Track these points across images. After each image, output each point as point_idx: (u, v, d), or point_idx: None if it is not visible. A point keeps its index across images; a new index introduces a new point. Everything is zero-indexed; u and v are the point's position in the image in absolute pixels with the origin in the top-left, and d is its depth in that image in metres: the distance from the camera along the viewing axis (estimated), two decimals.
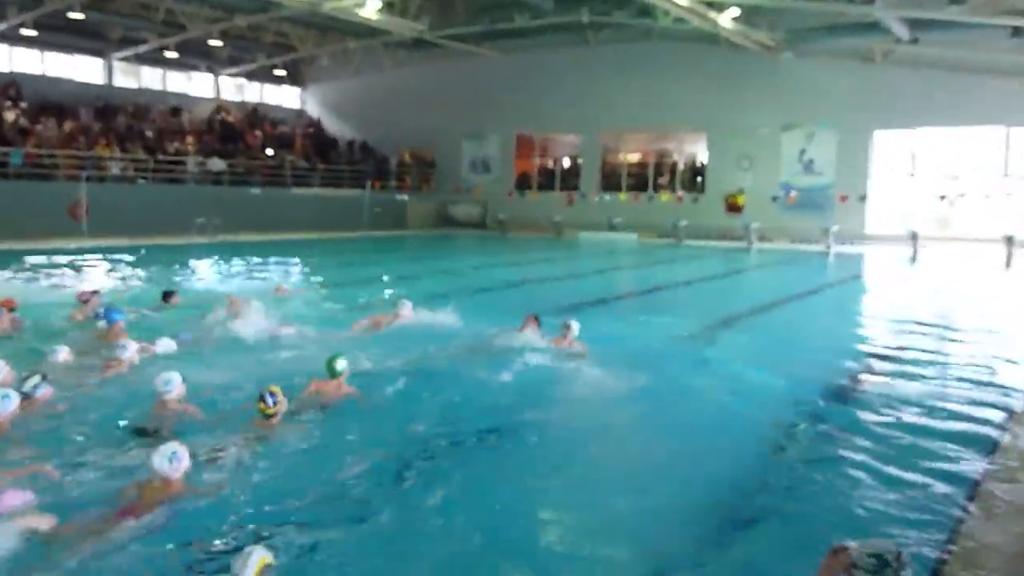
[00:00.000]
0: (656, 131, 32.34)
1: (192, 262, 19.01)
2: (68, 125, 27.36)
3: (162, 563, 3.98)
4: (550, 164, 35.80)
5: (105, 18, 29.49)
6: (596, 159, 33.66)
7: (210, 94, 36.57)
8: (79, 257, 18.50)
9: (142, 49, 31.86)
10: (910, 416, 6.66)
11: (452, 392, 7.12)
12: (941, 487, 5.14)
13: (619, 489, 5.19)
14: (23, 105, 27.56)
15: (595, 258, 24.01)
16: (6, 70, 29.33)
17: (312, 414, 6.19)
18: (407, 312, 9.77)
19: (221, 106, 35.68)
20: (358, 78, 37.54)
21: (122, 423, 5.95)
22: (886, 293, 17.11)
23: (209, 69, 36.32)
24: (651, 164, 32.92)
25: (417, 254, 25.01)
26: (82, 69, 32.02)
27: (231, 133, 32.91)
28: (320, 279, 15.14)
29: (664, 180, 32.59)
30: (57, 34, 30.08)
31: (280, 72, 38.45)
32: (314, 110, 40.39)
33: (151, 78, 34.55)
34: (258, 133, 34.04)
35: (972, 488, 5.16)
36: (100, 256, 18.89)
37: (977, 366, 8.77)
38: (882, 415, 6.70)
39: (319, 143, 36.42)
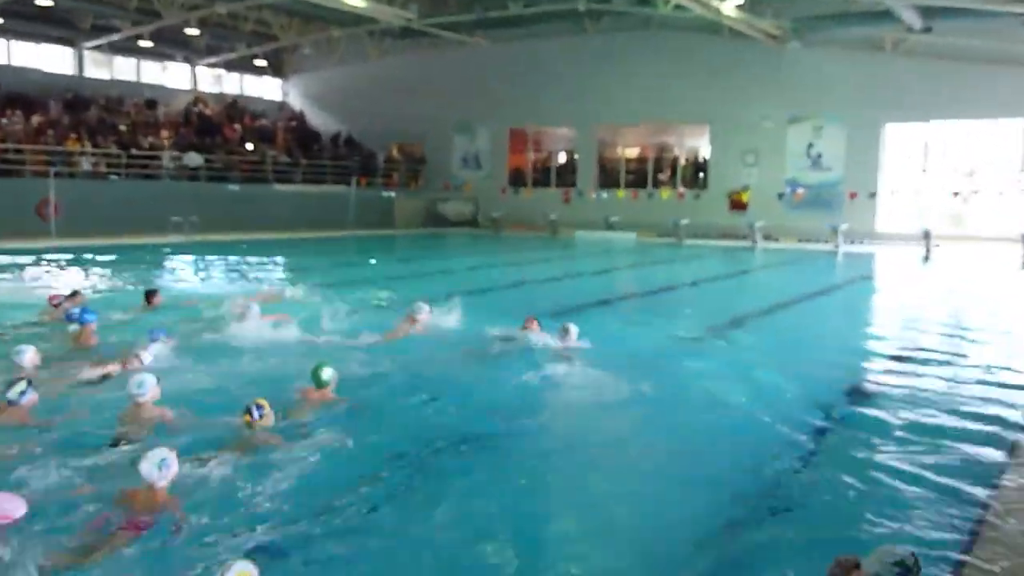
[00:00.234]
0: (656, 125, 32.44)
1: (168, 263, 19.00)
2: (36, 118, 27.29)
3: (140, 574, 4.00)
4: (545, 159, 35.87)
5: (75, 5, 29.47)
6: (593, 154, 33.73)
7: (187, 85, 36.51)
8: (47, 258, 18.42)
9: (115, 38, 31.82)
10: (923, 419, 6.72)
11: (449, 396, 7.18)
12: (957, 490, 5.19)
13: (621, 495, 5.24)
14: None
15: (593, 258, 24.04)
16: None
17: (301, 422, 6.21)
18: (424, 316, 9.77)
19: (198, 98, 35.61)
20: (343, 68, 37.54)
21: (99, 431, 5.95)
22: (897, 294, 17.17)
23: (186, 59, 36.28)
24: (651, 159, 33.01)
25: (407, 254, 25.00)
26: (51, 59, 31.93)
27: (209, 126, 32.86)
28: (307, 281, 15.12)
29: (664, 176, 32.67)
30: (24, 22, 30.04)
31: (261, 62, 38.42)
32: (296, 102, 40.37)
33: (124, 68, 34.49)
34: (237, 126, 34.01)
35: (989, 492, 5.21)
36: (70, 257, 18.82)
37: (992, 368, 8.83)
38: (894, 418, 6.76)
39: (302, 137, 36.40)
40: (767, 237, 27.68)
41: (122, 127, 29.49)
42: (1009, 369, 8.76)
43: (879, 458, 5.80)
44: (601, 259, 23.72)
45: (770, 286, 18.66)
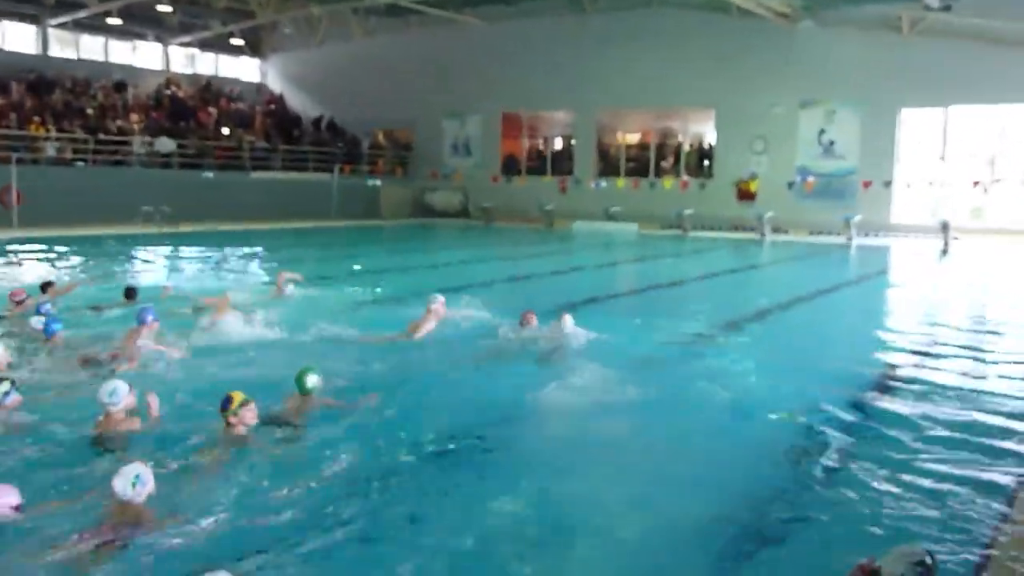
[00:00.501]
0: (659, 109, 32.46)
1: (138, 255, 18.95)
2: None
3: None
4: (540, 146, 35.89)
5: None
6: (591, 140, 33.72)
7: (158, 66, 36.39)
8: (9, 249, 18.36)
9: (81, 15, 31.63)
10: (940, 423, 6.77)
11: (444, 395, 7.26)
12: (975, 497, 5.23)
13: (626, 498, 5.30)
14: None
15: (591, 251, 24.07)
16: None
17: (288, 427, 6.26)
18: (439, 308, 9.76)
19: (170, 80, 35.50)
20: (325, 48, 37.43)
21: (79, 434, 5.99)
22: (914, 290, 17.23)
23: (157, 38, 36.14)
24: (653, 146, 33.02)
25: (394, 246, 24.99)
26: (12, 37, 31.82)
27: (182, 110, 32.76)
28: (288, 274, 15.12)
29: (667, 164, 32.70)
30: None
31: (237, 41, 38.29)
32: (275, 84, 40.27)
33: (91, 48, 34.36)
34: (212, 110, 33.89)
35: (1009, 498, 5.27)
36: (33, 249, 18.77)
37: (1014, 366, 8.88)
38: (909, 421, 6.81)
39: (281, 121, 36.33)
40: (776, 229, 27.72)
41: (89, 110, 29.38)
42: None
43: (897, 459, 5.87)
44: (600, 252, 23.75)
45: (780, 281, 18.71)
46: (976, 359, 9.48)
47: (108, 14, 32.09)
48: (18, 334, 9.01)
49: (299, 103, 39.15)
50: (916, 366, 9.13)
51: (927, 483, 5.42)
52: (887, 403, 7.45)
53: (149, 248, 20.21)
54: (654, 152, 32.91)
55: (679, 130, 32.80)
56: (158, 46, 36.39)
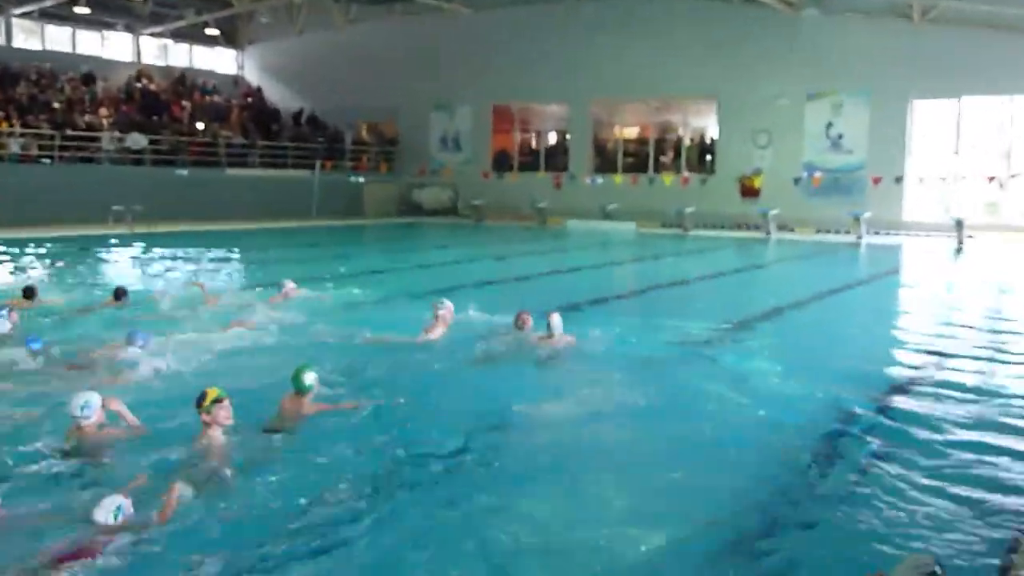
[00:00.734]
0: (658, 101, 32.54)
1: (107, 257, 18.91)
2: None
3: None
4: (533, 141, 35.89)
5: None
6: (587, 134, 33.81)
7: (129, 58, 36.31)
8: None
9: (47, 3, 31.56)
10: (956, 428, 6.81)
11: (440, 400, 7.30)
12: (992, 503, 5.27)
13: (629, 508, 5.33)
14: None
15: (587, 251, 24.09)
16: None
17: (283, 431, 6.33)
18: (447, 313, 9.84)
19: (142, 72, 35.39)
20: (305, 38, 37.43)
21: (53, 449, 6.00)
22: (928, 290, 17.31)
23: (127, 28, 36.06)
24: (652, 140, 33.11)
25: (380, 247, 24.99)
26: None
27: (154, 104, 32.71)
28: (268, 277, 15.15)
29: (667, 159, 32.79)
30: None
31: (212, 31, 38.25)
32: (253, 76, 40.22)
33: (58, 38, 34.27)
34: (186, 104, 33.85)
35: None
36: None
37: None
38: (924, 426, 6.86)
39: (259, 115, 36.30)
40: (782, 227, 27.80)
41: (55, 104, 29.29)
42: None
43: (910, 464, 5.92)
44: (597, 252, 23.78)
45: (787, 282, 18.79)
46: (993, 361, 9.54)
47: (75, 3, 32.01)
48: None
49: (278, 96, 39.11)
50: (930, 369, 9.16)
51: (942, 489, 5.46)
52: (901, 407, 7.50)
53: (121, 250, 20.17)
54: (653, 147, 32.98)
55: (679, 124, 32.86)
56: (128, 36, 36.29)
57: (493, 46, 33.77)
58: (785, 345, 10.67)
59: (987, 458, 6.09)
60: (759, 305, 13.84)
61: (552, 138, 35.58)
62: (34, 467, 5.69)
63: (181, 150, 30.06)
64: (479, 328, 9.92)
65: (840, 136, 28.86)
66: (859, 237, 25.98)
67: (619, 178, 32.55)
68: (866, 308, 14.88)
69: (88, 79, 32.60)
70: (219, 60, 40.00)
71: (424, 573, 4.44)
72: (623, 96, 32.58)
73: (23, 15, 32.46)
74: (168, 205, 26.31)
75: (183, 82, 36.32)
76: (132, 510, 4.66)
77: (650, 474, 5.86)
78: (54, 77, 31.68)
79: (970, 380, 8.59)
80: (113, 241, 21.63)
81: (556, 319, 9.06)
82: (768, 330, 11.67)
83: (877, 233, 26.71)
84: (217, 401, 5.72)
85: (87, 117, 29.22)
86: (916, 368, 9.26)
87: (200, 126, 32.71)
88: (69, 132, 27.54)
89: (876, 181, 28.09)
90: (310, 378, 6.64)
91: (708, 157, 32.05)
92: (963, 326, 12.21)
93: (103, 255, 19.27)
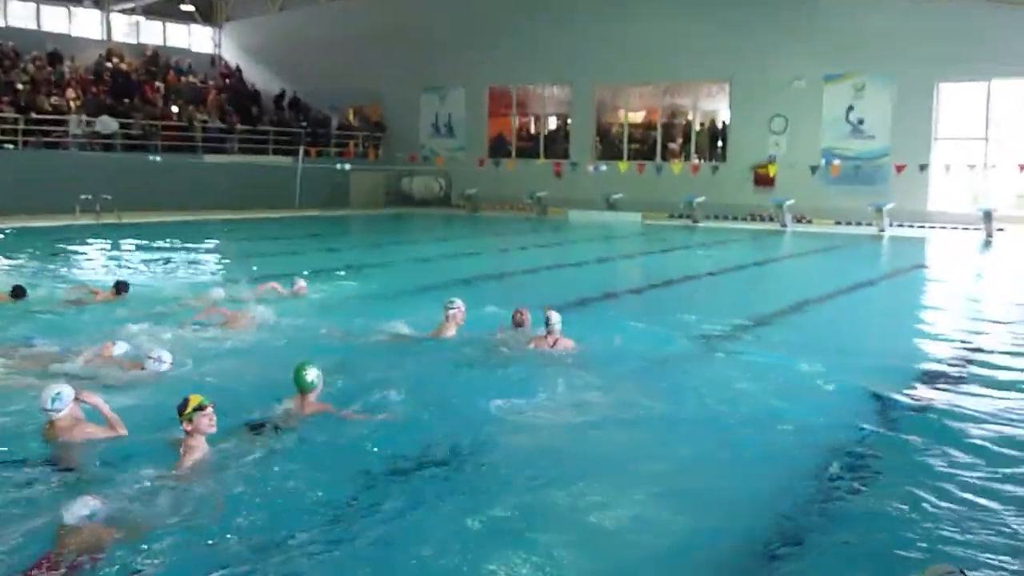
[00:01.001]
0: (666, 84, 32.51)
1: (75, 249, 18.84)
2: None
3: None
4: (532, 126, 35.85)
5: None
6: (590, 119, 33.79)
7: (97, 35, 36.27)
8: None
9: None
10: (982, 430, 6.83)
11: (438, 400, 7.31)
12: (1017, 508, 5.29)
13: (637, 516, 5.32)
14: None
15: (590, 244, 24.06)
16: None
17: (286, 431, 6.39)
18: (458, 312, 9.93)
19: (112, 51, 35.32)
20: (287, 15, 37.43)
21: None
22: (953, 285, 17.28)
23: (96, 3, 36.01)
24: (659, 125, 33.07)
25: (369, 239, 24.95)
26: None
27: (125, 85, 32.59)
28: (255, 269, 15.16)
29: (675, 146, 32.78)
30: None
31: (187, 7, 38.23)
32: (231, 56, 40.17)
33: (21, 14, 34.24)
34: (159, 85, 33.78)
35: None
36: None
37: None
38: (949, 428, 6.88)
39: (238, 98, 36.22)
40: (798, 219, 27.77)
41: (19, 86, 29.16)
42: None
43: (935, 468, 5.96)
44: (600, 245, 23.77)
45: (804, 277, 18.76)
46: (1021, 360, 9.53)
47: None
48: None
49: (258, 77, 39.05)
50: (957, 367, 9.19)
51: (967, 495, 5.48)
52: (930, 407, 7.53)
53: (90, 242, 20.12)
54: (661, 132, 32.91)
55: (689, 107, 32.80)
56: (97, 12, 36.24)
57: (489, 23, 33.73)
58: (801, 343, 10.62)
59: (1014, 461, 6.11)
60: (774, 302, 13.92)
61: (552, 123, 35.53)
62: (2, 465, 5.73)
63: (154, 135, 29.99)
64: (474, 324, 9.92)
65: (861, 121, 28.84)
66: (881, 229, 25.99)
67: (624, 166, 32.44)
68: (888, 305, 14.91)
69: (54, 58, 32.50)
70: (195, 38, 39.94)
71: (424, 573, 4.45)
72: (629, 79, 32.52)
73: None
74: (140, 193, 26.21)
75: (156, 62, 36.19)
76: (105, 508, 4.66)
77: (657, 476, 5.86)
78: (17, 56, 31.55)
79: (1003, 377, 8.63)
80: (78, 232, 21.56)
81: (554, 315, 9.06)
82: (783, 327, 11.67)
83: (900, 225, 26.71)
84: (200, 408, 5.67)
85: (53, 99, 29.12)
86: (943, 368, 9.24)
87: (174, 109, 32.60)
88: (34, 115, 27.44)
89: (899, 169, 28.03)
90: (311, 375, 6.65)
91: (719, 143, 32.02)
92: (993, 321, 12.25)
93: (67, 247, 19.17)
